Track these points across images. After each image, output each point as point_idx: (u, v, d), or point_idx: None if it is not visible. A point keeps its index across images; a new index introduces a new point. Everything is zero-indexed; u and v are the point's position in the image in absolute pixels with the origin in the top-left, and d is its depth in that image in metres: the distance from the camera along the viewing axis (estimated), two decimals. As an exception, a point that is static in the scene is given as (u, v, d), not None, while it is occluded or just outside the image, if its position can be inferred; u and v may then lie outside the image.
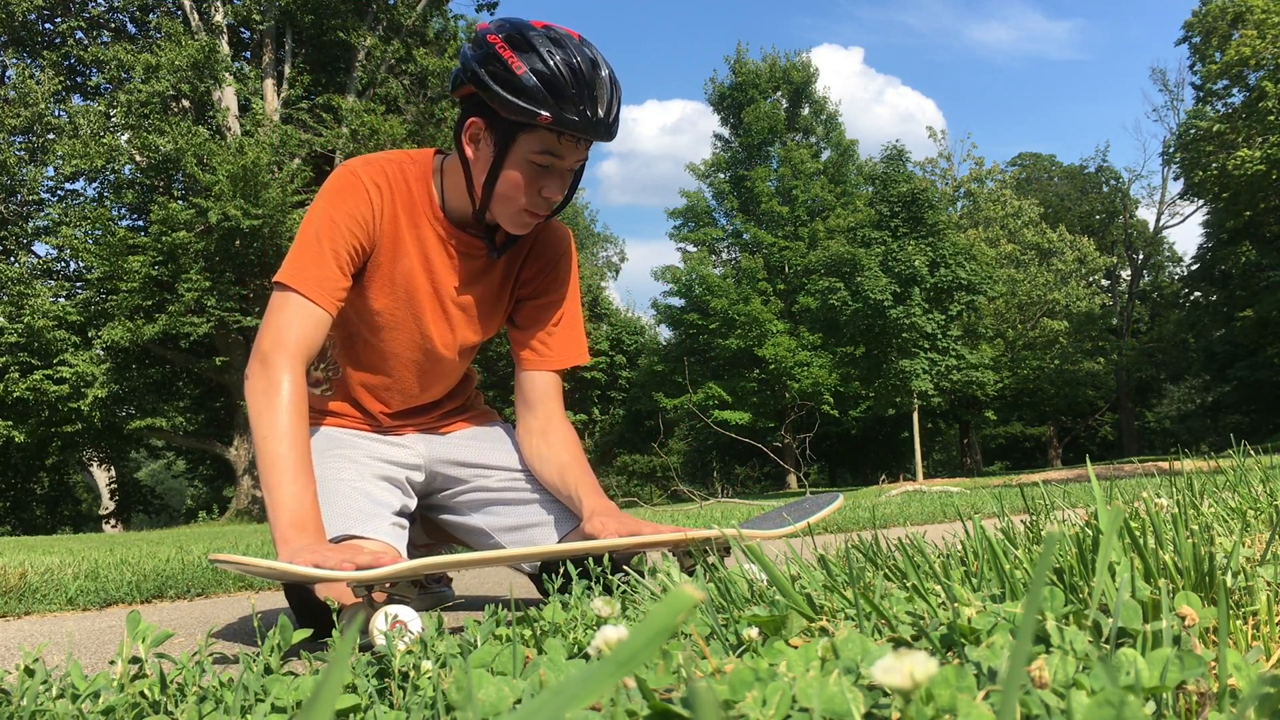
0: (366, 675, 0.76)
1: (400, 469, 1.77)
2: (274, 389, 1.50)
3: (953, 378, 23.04)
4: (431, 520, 1.95)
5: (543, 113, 1.47)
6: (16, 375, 19.36)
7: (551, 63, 1.47)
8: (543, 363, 1.80)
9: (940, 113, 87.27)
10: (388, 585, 1.34)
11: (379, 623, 1.27)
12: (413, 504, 1.79)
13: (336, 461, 1.69)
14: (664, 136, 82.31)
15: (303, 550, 1.33)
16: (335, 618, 0.98)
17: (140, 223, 21.68)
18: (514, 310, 1.82)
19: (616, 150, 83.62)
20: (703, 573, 1.05)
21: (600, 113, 1.50)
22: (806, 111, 33.26)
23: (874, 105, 75.77)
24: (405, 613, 1.28)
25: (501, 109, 1.50)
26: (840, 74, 75.60)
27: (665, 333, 33.97)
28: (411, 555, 2.06)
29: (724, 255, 33.58)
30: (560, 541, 1.73)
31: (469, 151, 1.60)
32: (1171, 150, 32.13)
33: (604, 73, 1.52)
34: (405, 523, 1.69)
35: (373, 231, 1.62)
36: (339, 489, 1.62)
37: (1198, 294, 32.29)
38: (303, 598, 1.56)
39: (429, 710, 0.67)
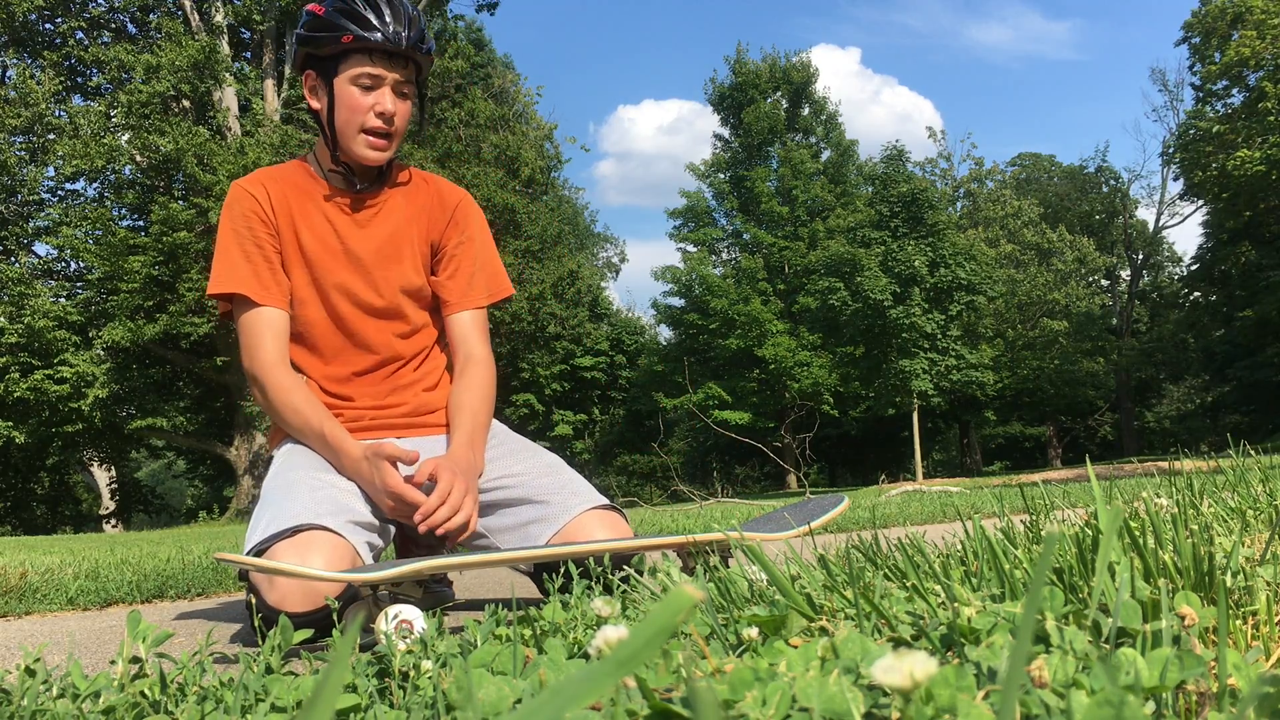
0: (366, 675, 0.76)
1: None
2: (278, 394, 1.73)
3: (953, 378, 23.04)
4: None
5: (345, 33, 1.71)
6: (17, 375, 19.35)
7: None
8: (459, 303, 1.94)
9: (938, 113, 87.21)
10: (392, 585, 1.35)
11: (383, 623, 1.28)
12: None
13: (304, 470, 1.72)
14: (661, 136, 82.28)
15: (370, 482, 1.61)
16: (335, 618, 0.98)
17: (141, 223, 21.68)
18: (434, 263, 1.96)
19: (613, 150, 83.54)
20: (703, 573, 1.05)
21: (399, 26, 1.73)
22: (806, 112, 33.26)
23: (870, 105, 75.76)
24: (410, 611, 1.29)
25: (316, 48, 1.76)
26: (837, 74, 75.58)
27: (665, 333, 33.98)
28: (418, 552, 2.07)
29: (724, 255, 33.57)
30: (554, 536, 1.73)
31: (314, 104, 1.82)
32: (1171, 150, 32.13)
33: (398, 1, 1.75)
34: (377, 523, 1.69)
35: (269, 218, 1.81)
36: (301, 487, 1.64)
37: (1197, 294, 32.28)
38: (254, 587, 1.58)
39: (429, 710, 0.67)
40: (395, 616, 1.27)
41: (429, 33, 1.81)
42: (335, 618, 0.98)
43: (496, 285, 1.99)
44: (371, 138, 1.77)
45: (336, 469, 1.68)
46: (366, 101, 1.76)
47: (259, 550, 1.56)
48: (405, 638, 1.16)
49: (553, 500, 1.77)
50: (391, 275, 1.87)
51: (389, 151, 1.81)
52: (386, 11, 1.73)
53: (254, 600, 1.57)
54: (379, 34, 1.71)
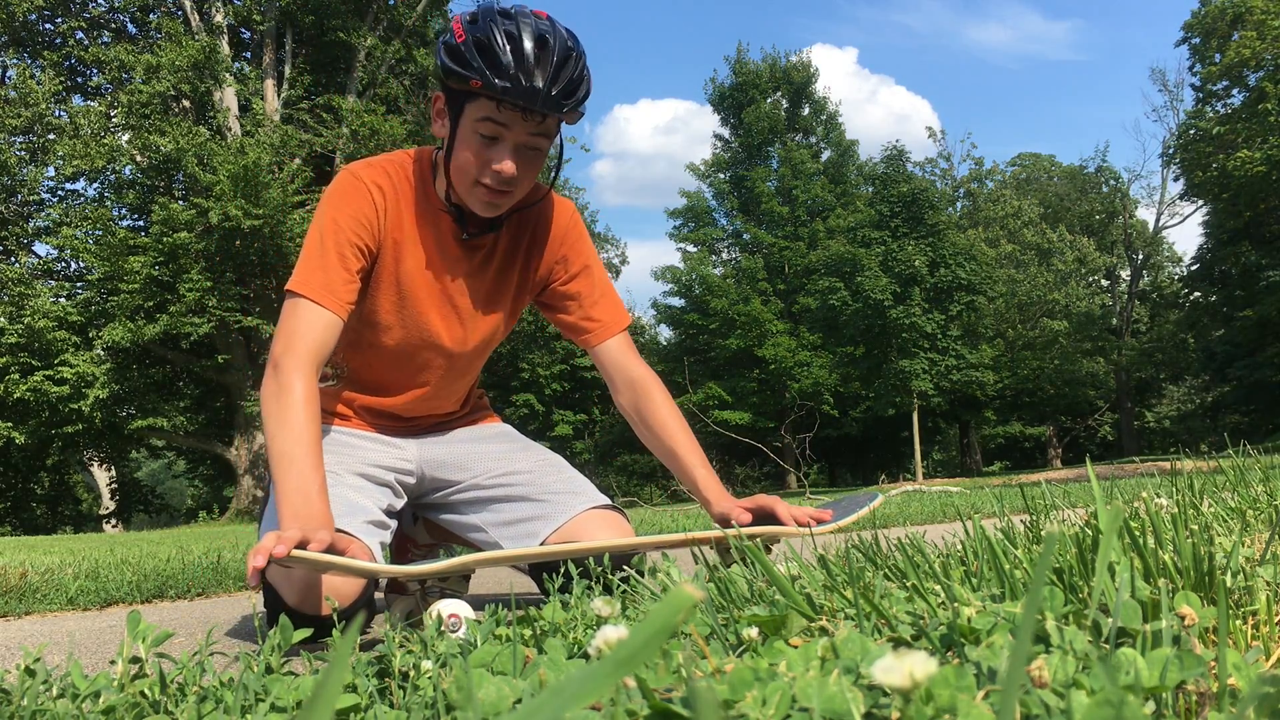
0: (367, 675, 0.76)
1: (389, 471, 1.77)
2: (285, 392, 1.50)
3: (953, 378, 23.04)
4: (432, 520, 1.95)
5: (473, 77, 1.49)
6: (17, 376, 19.35)
7: (492, 30, 1.49)
8: (605, 331, 1.82)
9: (935, 113, 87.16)
10: (440, 580, 1.36)
11: (431, 618, 1.22)
12: (400, 503, 1.79)
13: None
14: (658, 136, 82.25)
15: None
16: (335, 618, 0.98)
17: (141, 223, 21.70)
18: (548, 297, 1.83)
19: (609, 150, 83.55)
20: (704, 572, 1.05)
21: (536, 81, 1.48)
22: (806, 112, 33.27)
23: (867, 105, 75.75)
24: (458, 606, 1.26)
25: (445, 78, 1.54)
26: (834, 74, 75.56)
27: (665, 333, 33.97)
28: (416, 551, 2.07)
29: (724, 255, 33.58)
30: (553, 535, 1.73)
31: (438, 129, 1.63)
32: (1171, 151, 32.12)
33: (551, 43, 1.51)
34: (388, 521, 1.69)
35: (376, 232, 1.64)
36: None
37: (1197, 294, 32.25)
38: (274, 602, 1.54)
39: (429, 710, 0.67)
40: (444, 611, 1.24)
41: (584, 84, 1.55)
42: (336, 618, 0.97)
43: (623, 313, 1.88)
44: (486, 192, 1.59)
45: (276, 505, 1.46)
46: (487, 155, 1.55)
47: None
48: (455, 631, 1.20)
49: (553, 499, 1.77)
50: (483, 325, 1.78)
51: (504, 208, 1.64)
52: (530, 56, 1.48)
53: (267, 597, 1.56)
54: (509, 85, 1.48)
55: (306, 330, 1.54)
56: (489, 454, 1.86)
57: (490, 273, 1.75)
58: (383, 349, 1.74)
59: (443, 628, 1.14)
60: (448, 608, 1.25)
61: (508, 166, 1.55)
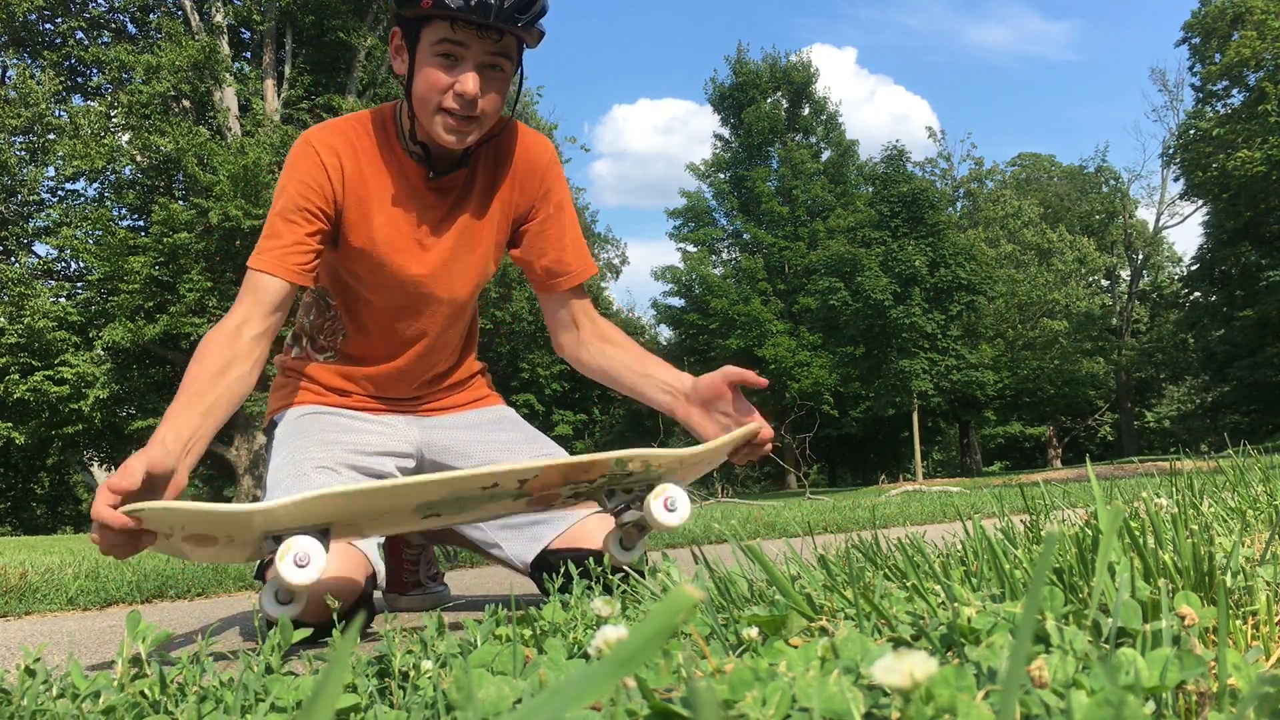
0: (366, 675, 0.76)
1: (389, 457, 1.75)
2: (206, 339, 1.52)
3: (953, 378, 23.05)
4: None
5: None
6: (17, 376, 19.35)
7: None
8: (570, 280, 1.79)
9: (934, 113, 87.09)
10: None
11: (286, 560, 1.27)
12: None
13: (311, 445, 1.68)
14: (657, 136, 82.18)
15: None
16: (335, 617, 0.98)
17: (141, 223, 21.68)
18: (518, 239, 1.80)
19: (608, 151, 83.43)
20: (705, 572, 1.05)
21: None
22: (807, 111, 33.29)
23: (866, 105, 75.70)
24: (308, 543, 1.29)
25: (399, 7, 1.53)
26: (833, 74, 75.48)
27: (665, 333, 33.97)
28: (410, 551, 2.07)
29: (724, 255, 33.60)
30: (558, 538, 1.72)
31: (398, 67, 1.61)
32: (1171, 151, 32.12)
33: None
34: None
35: (329, 193, 1.62)
36: (302, 469, 1.61)
37: (1197, 294, 32.26)
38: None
39: (429, 710, 0.67)
40: (296, 549, 1.28)
41: (539, 1, 1.54)
42: (335, 618, 0.97)
43: (590, 263, 1.85)
44: (450, 119, 1.55)
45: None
46: (446, 79, 1.53)
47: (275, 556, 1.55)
48: (303, 566, 1.27)
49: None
50: (468, 266, 1.75)
51: (472, 136, 1.59)
52: None
53: (263, 604, 1.56)
54: (464, 6, 1.47)
55: (250, 297, 1.56)
56: (493, 444, 1.82)
57: (466, 213, 1.72)
58: (374, 308, 1.73)
59: (294, 562, 1.28)
60: (299, 544, 1.28)
61: (469, 82, 1.52)
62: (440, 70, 1.53)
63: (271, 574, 1.30)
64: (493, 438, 1.84)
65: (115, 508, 1.23)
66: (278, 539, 1.31)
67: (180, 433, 1.39)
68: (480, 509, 1.50)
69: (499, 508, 1.52)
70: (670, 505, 1.49)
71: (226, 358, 1.49)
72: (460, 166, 1.68)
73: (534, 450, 1.82)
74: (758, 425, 1.58)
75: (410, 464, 1.81)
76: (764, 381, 1.61)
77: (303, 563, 1.29)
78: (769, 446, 1.61)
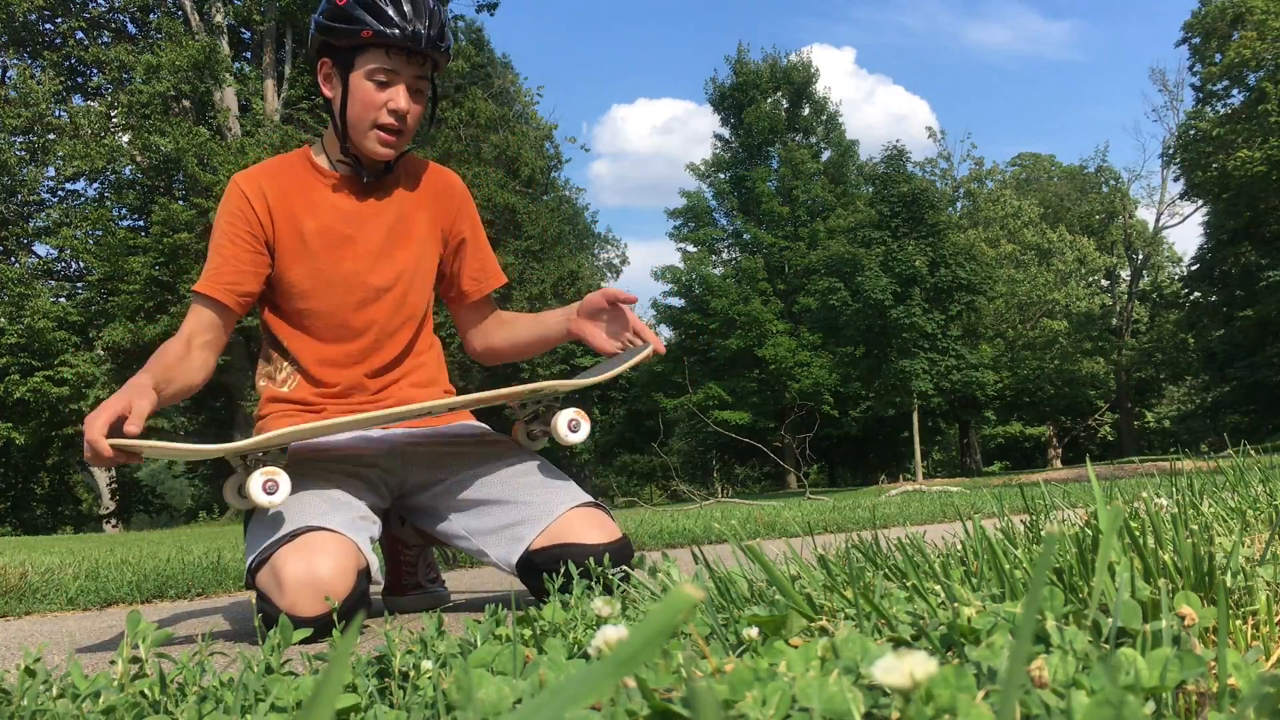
0: (366, 675, 0.76)
1: (369, 468, 1.80)
2: (165, 348, 1.74)
3: (953, 378, 23.05)
4: (415, 522, 1.95)
5: (364, 29, 1.70)
6: (17, 377, 19.36)
7: None
8: (481, 288, 2.03)
9: (934, 113, 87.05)
10: (261, 455, 1.58)
11: (255, 483, 1.54)
12: (384, 504, 1.82)
13: (300, 468, 1.73)
14: (656, 136, 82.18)
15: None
16: (335, 617, 0.98)
17: (141, 223, 21.68)
18: (448, 256, 2.00)
19: (607, 151, 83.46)
20: (705, 572, 1.05)
21: (420, 24, 1.71)
22: (807, 112, 33.29)
23: (865, 105, 75.66)
24: (275, 472, 1.55)
25: (334, 39, 1.74)
26: (832, 74, 75.41)
27: (665, 332, 33.96)
28: (408, 553, 2.07)
29: (724, 255, 33.59)
30: (539, 535, 1.72)
31: (326, 92, 1.81)
32: (1171, 151, 32.12)
33: None
34: (374, 517, 1.72)
35: (254, 219, 1.80)
36: (298, 489, 1.66)
37: (1197, 294, 32.25)
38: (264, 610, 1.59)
39: (429, 710, 0.67)
40: (262, 476, 1.54)
41: (449, 30, 1.80)
42: (336, 618, 0.98)
43: (500, 274, 2.09)
44: (383, 133, 1.77)
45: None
46: (380, 98, 1.74)
47: (264, 557, 1.57)
48: (272, 494, 1.55)
49: (536, 500, 1.76)
50: (400, 256, 1.88)
51: (399, 148, 1.81)
52: (407, 6, 1.71)
53: (260, 605, 1.57)
54: (398, 30, 1.69)
55: (192, 316, 1.80)
56: (466, 455, 1.85)
57: (391, 212, 1.89)
58: (316, 314, 1.84)
59: (264, 488, 1.55)
60: (267, 474, 1.55)
61: (403, 100, 1.75)
62: (376, 90, 1.75)
63: (254, 477, 1.56)
64: (464, 450, 1.88)
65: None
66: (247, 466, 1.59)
67: (155, 381, 1.63)
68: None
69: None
70: (573, 427, 1.81)
71: (182, 354, 1.74)
72: (387, 171, 1.87)
73: (507, 457, 1.87)
74: (651, 347, 1.82)
75: (391, 478, 1.84)
76: (634, 298, 1.86)
77: (271, 490, 1.55)
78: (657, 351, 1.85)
